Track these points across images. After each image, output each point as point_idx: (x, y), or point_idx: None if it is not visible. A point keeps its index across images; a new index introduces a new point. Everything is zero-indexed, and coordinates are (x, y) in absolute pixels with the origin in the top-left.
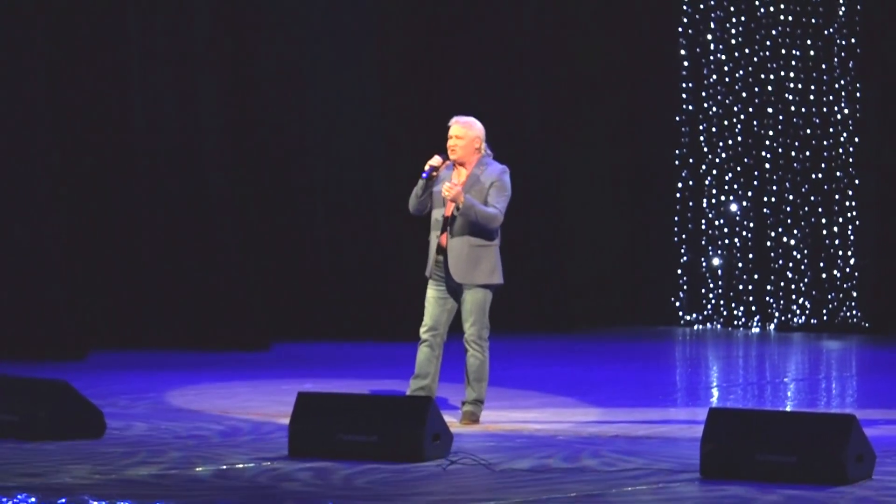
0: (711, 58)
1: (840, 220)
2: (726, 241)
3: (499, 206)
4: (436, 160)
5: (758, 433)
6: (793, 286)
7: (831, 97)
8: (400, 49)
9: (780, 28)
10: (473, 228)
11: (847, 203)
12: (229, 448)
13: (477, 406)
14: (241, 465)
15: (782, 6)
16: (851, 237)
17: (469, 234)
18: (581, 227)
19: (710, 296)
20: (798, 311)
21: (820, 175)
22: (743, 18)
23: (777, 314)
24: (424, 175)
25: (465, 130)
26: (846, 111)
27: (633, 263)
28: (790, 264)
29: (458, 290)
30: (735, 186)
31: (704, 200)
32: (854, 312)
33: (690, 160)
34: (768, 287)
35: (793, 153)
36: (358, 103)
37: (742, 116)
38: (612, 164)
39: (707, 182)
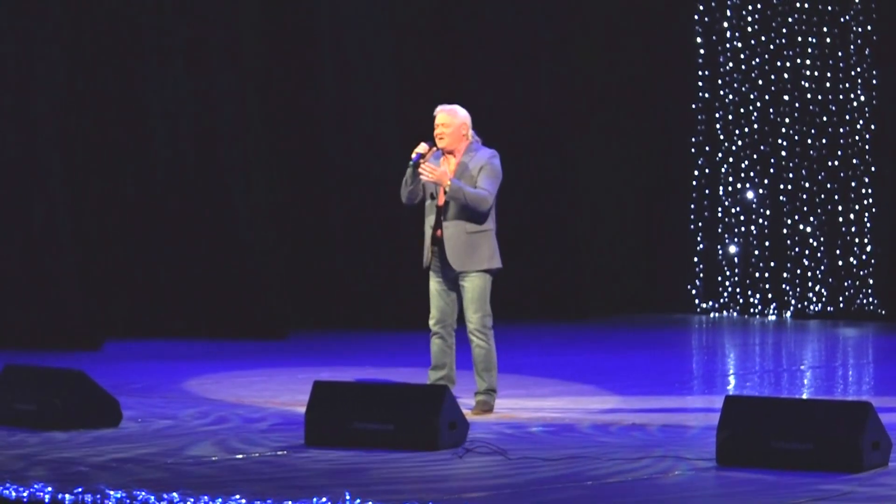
0: (727, 45)
1: (856, 207)
2: (742, 229)
3: (488, 188)
4: (422, 147)
5: (774, 421)
6: (809, 274)
7: (847, 84)
8: (416, 35)
9: (796, 15)
10: (467, 214)
11: (863, 190)
12: (246, 437)
13: (490, 395)
14: (257, 454)
15: None
16: (868, 224)
17: (464, 219)
18: (597, 214)
19: (727, 283)
20: (814, 299)
21: (836, 162)
22: (759, 6)
23: (793, 302)
24: (412, 162)
25: (451, 118)
26: (862, 98)
27: (649, 251)
28: (806, 252)
29: (457, 277)
30: (751, 174)
31: (721, 188)
32: (870, 300)
33: (706, 148)
34: (784, 275)
35: (809, 140)
36: (375, 92)
37: (758, 104)
38: (628, 151)
39: (723, 170)
